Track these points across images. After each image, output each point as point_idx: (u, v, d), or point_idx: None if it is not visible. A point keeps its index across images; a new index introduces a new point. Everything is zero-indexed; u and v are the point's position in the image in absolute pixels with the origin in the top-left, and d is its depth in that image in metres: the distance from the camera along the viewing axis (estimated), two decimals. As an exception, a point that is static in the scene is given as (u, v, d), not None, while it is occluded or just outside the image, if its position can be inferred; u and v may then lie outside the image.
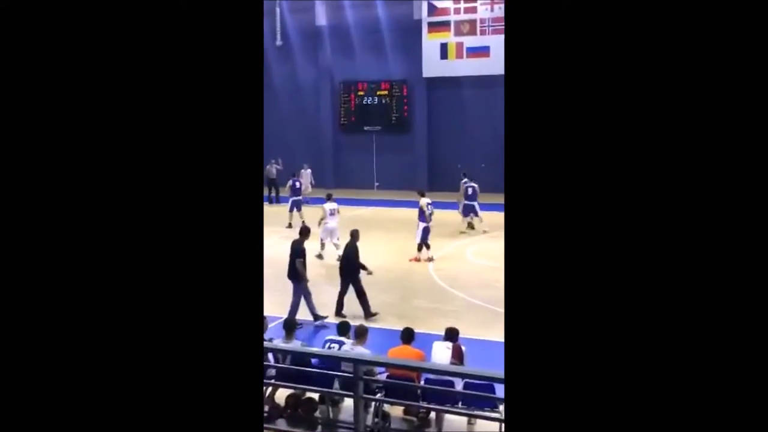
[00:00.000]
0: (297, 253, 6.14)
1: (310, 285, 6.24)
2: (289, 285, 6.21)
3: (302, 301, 6.12)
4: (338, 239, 8.32)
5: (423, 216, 8.69)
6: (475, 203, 9.86)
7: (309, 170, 13.81)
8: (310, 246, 7.01)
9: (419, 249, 8.58)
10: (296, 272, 6.06)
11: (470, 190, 10.17)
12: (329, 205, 8.78)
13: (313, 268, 7.06)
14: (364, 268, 6.40)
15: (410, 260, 8.67)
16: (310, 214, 9.89)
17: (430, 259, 8.60)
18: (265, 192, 13.25)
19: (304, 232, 6.53)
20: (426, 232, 8.57)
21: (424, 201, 8.90)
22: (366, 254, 6.85)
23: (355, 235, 6.58)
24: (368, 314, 6.11)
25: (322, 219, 8.62)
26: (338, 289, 6.45)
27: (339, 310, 6.27)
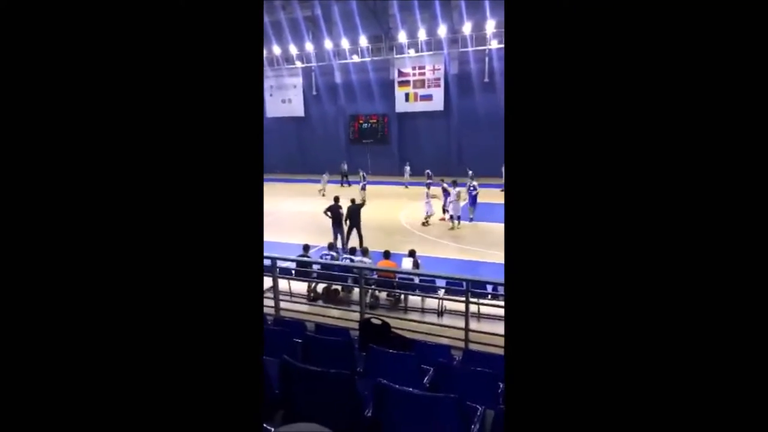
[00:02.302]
0: (332, 209, 9.67)
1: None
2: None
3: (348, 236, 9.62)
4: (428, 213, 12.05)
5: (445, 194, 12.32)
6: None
7: (408, 167, 19.59)
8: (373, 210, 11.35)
9: (444, 212, 12.43)
10: (335, 221, 9.65)
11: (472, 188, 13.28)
12: (430, 190, 12.44)
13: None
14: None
15: (440, 220, 12.21)
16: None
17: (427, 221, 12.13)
18: (339, 178, 19.97)
19: (337, 199, 9.92)
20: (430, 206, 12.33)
21: (434, 188, 13.05)
22: (366, 210, 10.53)
23: (354, 201, 10.02)
24: (361, 244, 9.19)
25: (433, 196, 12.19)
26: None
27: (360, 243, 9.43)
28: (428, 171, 16.86)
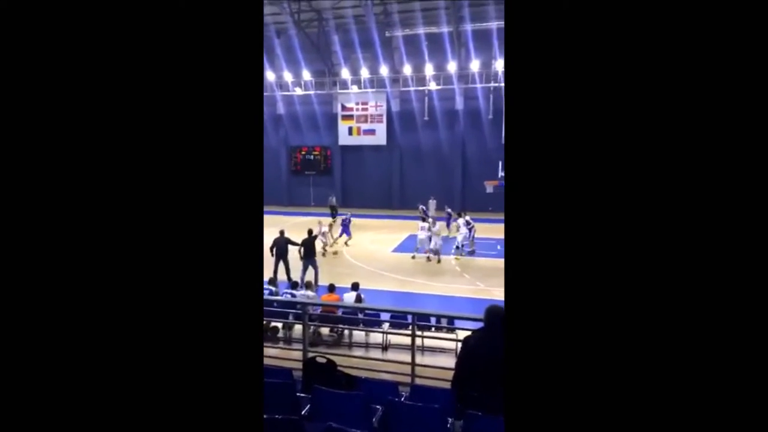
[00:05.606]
0: (293, 242, 9.35)
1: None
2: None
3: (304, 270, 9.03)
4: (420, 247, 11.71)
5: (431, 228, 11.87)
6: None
7: (434, 201, 18.18)
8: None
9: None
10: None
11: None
12: (423, 224, 12.23)
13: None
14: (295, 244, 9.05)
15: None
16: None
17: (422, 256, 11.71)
18: (330, 211, 18.39)
19: (310, 233, 9.67)
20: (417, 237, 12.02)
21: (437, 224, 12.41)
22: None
23: (283, 232, 9.49)
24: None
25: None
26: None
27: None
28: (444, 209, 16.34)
